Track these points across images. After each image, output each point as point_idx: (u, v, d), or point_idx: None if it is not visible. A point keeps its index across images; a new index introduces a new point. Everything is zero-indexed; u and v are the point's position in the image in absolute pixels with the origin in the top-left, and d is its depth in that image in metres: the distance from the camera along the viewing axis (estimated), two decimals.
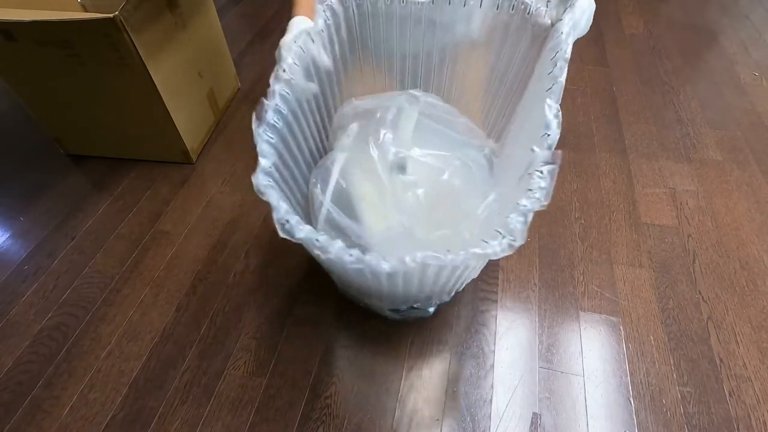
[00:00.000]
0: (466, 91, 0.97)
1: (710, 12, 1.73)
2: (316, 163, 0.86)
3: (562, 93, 0.64)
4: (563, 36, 0.69)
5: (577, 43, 0.71)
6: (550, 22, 0.76)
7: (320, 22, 0.79)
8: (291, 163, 0.75)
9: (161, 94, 1.03)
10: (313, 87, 0.78)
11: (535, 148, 0.58)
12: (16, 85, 1.08)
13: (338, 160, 0.77)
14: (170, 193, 1.13)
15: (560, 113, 0.60)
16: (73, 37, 0.92)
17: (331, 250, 0.52)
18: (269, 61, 1.55)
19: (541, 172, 0.56)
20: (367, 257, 0.52)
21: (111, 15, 0.87)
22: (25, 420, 0.78)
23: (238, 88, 1.44)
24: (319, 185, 0.76)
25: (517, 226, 0.52)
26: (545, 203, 0.54)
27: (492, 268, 0.95)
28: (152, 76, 0.99)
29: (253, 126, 0.63)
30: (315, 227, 0.73)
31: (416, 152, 0.82)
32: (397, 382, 0.80)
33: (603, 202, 1.08)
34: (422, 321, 0.87)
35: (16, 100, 1.13)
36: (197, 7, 1.17)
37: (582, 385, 0.79)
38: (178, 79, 1.10)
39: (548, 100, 0.61)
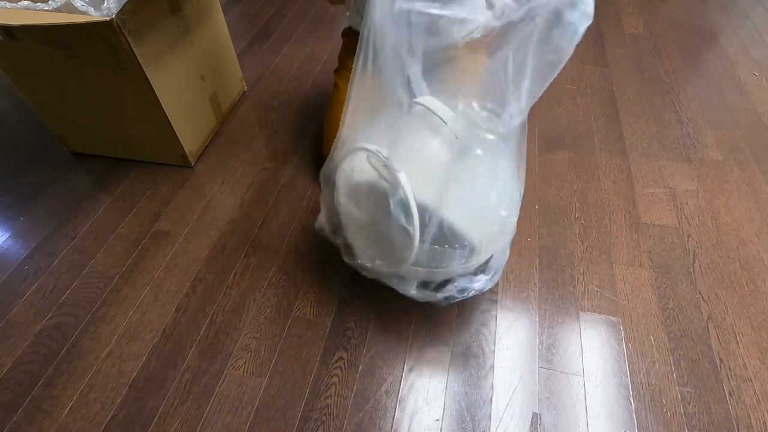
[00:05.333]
0: None
1: (710, 12, 1.73)
2: None
3: None
4: None
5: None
6: None
7: None
8: None
9: (159, 98, 1.02)
10: None
11: None
12: (20, 83, 1.08)
13: (405, 183, 0.67)
14: (170, 193, 1.13)
15: None
16: (72, 38, 0.91)
17: None
18: (270, 60, 1.56)
19: None
20: None
21: (107, 18, 0.86)
22: (25, 420, 0.78)
23: (244, 91, 1.42)
24: (392, 211, 0.68)
25: None
26: None
27: None
28: (150, 80, 0.98)
29: None
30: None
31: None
32: (397, 383, 0.80)
33: (603, 202, 1.08)
34: (422, 321, 0.87)
35: (17, 99, 1.13)
36: (202, 11, 1.15)
37: (582, 385, 0.79)
38: (179, 83, 1.10)
39: None
